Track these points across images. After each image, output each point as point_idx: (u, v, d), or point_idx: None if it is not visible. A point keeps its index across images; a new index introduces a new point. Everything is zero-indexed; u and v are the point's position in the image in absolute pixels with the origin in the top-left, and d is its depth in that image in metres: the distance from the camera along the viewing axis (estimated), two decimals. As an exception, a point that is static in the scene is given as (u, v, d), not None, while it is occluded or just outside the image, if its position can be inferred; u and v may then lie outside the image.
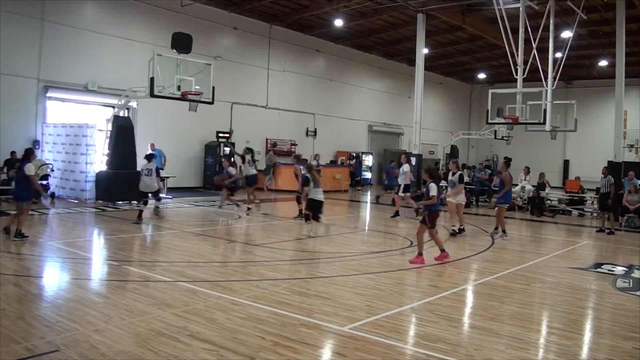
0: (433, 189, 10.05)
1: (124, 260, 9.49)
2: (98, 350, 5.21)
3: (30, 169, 10.89)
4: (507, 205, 14.17)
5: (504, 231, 13.62)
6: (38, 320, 6.03)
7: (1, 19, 18.18)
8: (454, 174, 14.06)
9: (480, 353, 5.56)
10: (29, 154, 11.27)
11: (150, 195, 14.60)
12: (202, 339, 5.61)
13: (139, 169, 15.97)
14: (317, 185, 12.87)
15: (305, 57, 30.47)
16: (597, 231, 16.04)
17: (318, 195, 12.81)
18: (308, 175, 13.20)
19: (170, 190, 21.15)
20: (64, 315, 6.25)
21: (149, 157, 15.06)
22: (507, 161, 15.21)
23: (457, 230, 13.83)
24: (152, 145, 20.77)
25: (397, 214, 17.51)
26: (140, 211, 14.22)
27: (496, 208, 14.41)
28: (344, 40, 31.36)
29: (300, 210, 15.14)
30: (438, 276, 9.10)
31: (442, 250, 10.41)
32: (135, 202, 17.81)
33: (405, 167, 17.58)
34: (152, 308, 6.64)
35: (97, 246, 11.64)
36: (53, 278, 8.49)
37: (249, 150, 17.95)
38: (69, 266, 9.08)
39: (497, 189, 17.46)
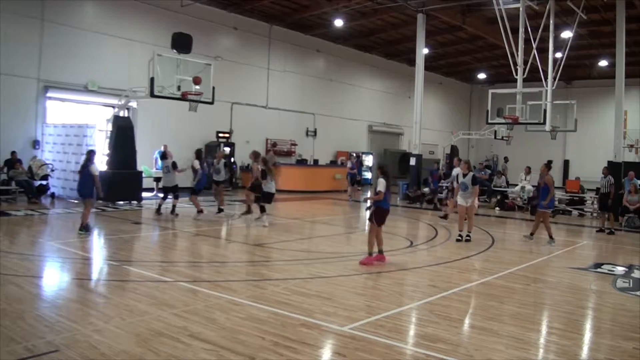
0: (381, 184, 9.74)
1: (124, 260, 9.49)
2: (98, 350, 5.21)
3: (95, 169, 12.04)
4: (551, 209, 13.56)
5: (551, 237, 13.08)
6: (38, 320, 6.03)
7: (1, 19, 18.19)
8: (465, 175, 13.23)
9: (480, 353, 5.57)
10: (92, 155, 12.24)
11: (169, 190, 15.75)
12: (202, 339, 5.61)
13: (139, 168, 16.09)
14: (272, 178, 14.18)
15: (305, 57, 30.47)
16: (597, 231, 16.05)
17: (271, 188, 14.23)
18: (264, 168, 14.23)
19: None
20: (64, 315, 6.25)
21: (164, 156, 16.18)
22: (548, 163, 14.40)
23: (463, 238, 13.02)
24: (166, 147, 20.70)
25: (446, 217, 17.21)
26: (160, 205, 15.59)
27: (539, 213, 13.60)
28: (344, 40, 31.34)
29: (249, 207, 15.58)
30: (438, 276, 9.10)
31: (380, 252, 10.01)
32: (135, 201, 17.93)
33: (456, 171, 16.94)
34: (152, 308, 6.64)
35: (97, 246, 11.64)
36: (53, 278, 8.49)
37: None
38: (69, 266, 9.09)
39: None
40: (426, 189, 23.88)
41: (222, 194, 16.86)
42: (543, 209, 13.34)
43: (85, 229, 11.89)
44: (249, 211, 15.27)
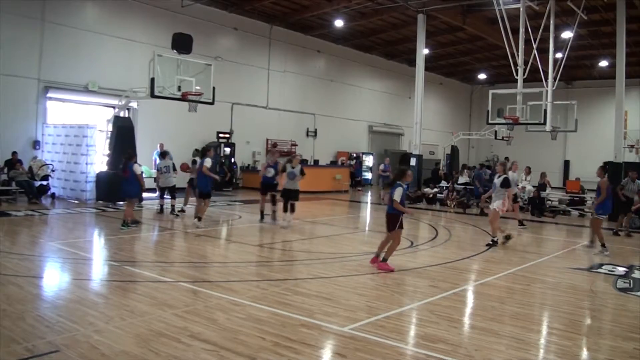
0: (397, 193, 9.21)
1: (124, 261, 9.49)
2: (98, 350, 5.21)
3: (137, 169, 12.70)
4: (606, 216, 12.68)
5: (603, 245, 12.17)
6: (38, 321, 6.03)
7: (1, 20, 18.20)
8: (499, 176, 12.74)
9: (481, 353, 5.57)
10: (132, 156, 12.97)
11: (167, 191, 16.03)
12: (202, 340, 5.61)
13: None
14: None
15: (305, 58, 30.49)
16: (613, 233, 15.67)
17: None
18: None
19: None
20: (64, 315, 6.25)
21: (163, 155, 16.36)
22: (604, 166, 13.59)
23: (492, 242, 12.47)
24: (162, 145, 20.84)
25: (521, 223, 16.26)
26: (161, 205, 15.95)
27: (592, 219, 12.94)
28: (344, 40, 31.37)
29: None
30: (438, 277, 9.10)
31: (378, 255, 9.64)
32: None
33: (510, 176, 15.59)
34: (152, 308, 6.64)
35: (98, 246, 11.64)
36: (54, 278, 8.49)
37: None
38: (70, 266, 9.08)
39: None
40: (427, 189, 23.90)
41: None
42: (597, 214, 12.60)
43: (127, 224, 12.66)
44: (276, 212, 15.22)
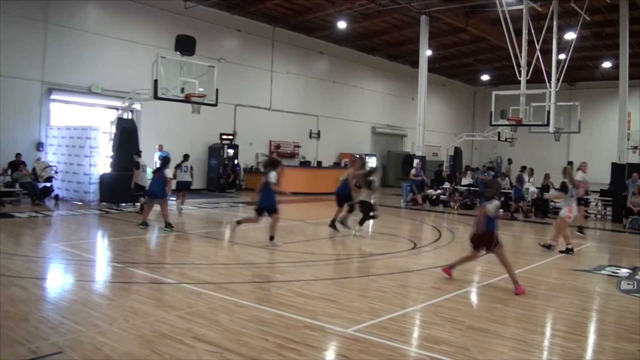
0: (493, 207, 8.53)
1: (127, 262, 9.50)
2: (102, 352, 5.22)
3: (169, 173, 13.31)
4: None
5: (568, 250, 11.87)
6: (42, 322, 6.03)
7: (5, 22, 18.27)
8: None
9: (484, 355, 5.56)
10: (167, 161, 13.56)
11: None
12: (205, 341, 5.61)
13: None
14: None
15: (308, 59, 30.50)
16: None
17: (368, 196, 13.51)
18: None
19: (175, 192, 21.18)
20: (67, 317, 6.26)
21: (186, 157, 17.49)
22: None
23: (566, 250, 11.92)
24: (160, 147, 20.94)
25: (581, 229, 15.40)
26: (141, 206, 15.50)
27: None
28: (347, 42, 31.37)
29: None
30: (442, 278, 9.08)
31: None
32: (139, 204, 17.91)
33: (580, 176, 15.47)
34: (155, 310, 6.65)
35: (101, 248, 11.66)
36: (57, 280, 8.50)
37: (185, 157, 17.71)
38: (73, 268, 9.09)
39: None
40: (430, 190, 23.88)
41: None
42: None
43: (170, 225, 13.05)
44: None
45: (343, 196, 13.96)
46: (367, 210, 13.39)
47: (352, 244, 12.64)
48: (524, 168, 21.26)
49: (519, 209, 20.16)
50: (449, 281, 8.83)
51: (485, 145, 42.02)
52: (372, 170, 14.03)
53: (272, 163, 11.87)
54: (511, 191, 22.66)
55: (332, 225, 13.85)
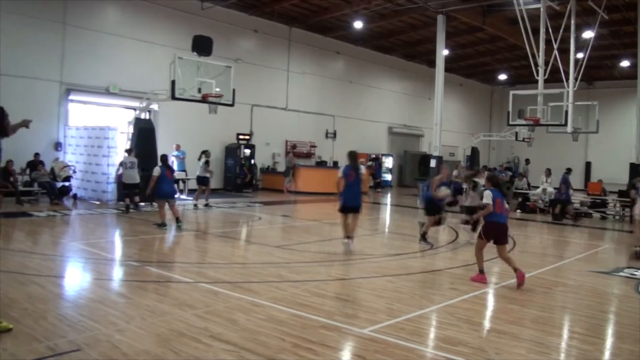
0: (487, 197, 8.58)
1: (145, 261, 9.56)
2: (119, 350, 5.26)
3: (155, 171, 13.31)
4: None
5: None
6: (60, 320, 6.09)
7: (24, 23, 18.46)
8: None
9: (501, 357, 5.52)
10: (162, 161, 13.68)
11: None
12: (222, 340, 5.63)
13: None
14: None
15: (324, 59, 30.48)
16: None
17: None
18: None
19: (192, 191, 21.28)
20: (85, 315, 6.31)
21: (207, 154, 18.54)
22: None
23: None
24: (178, 146, 21.14)
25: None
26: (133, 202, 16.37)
27: None
28: (363, 42, 31.31)
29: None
30: (459, 279, 9.04)
31: (516, 270, 8.65)
32: (156, 203, 18.03)
33: None
34: (173, 309, 6.68)
35: (119, 247, 11.75)
36: (75, 278, 8.59)
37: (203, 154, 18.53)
38: (91, 266, 9.17)
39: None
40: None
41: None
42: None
43: (179, 221, 13.27)
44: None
45: (436, 205, 12.59)
46: (471, 215, 12.35)
47: (368, 244, 12.62)
48: (569, 170, 20.33)
49: (564, 213, 19.15)
50: (465, 282, 8.79)
51: (502, 145, 41.76)
52: (478, 172, 13.18)
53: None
54: (528, 191, 22.53)
55: (423, 238, 12.40)
